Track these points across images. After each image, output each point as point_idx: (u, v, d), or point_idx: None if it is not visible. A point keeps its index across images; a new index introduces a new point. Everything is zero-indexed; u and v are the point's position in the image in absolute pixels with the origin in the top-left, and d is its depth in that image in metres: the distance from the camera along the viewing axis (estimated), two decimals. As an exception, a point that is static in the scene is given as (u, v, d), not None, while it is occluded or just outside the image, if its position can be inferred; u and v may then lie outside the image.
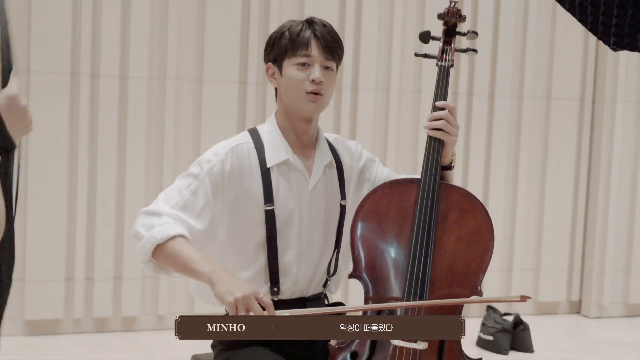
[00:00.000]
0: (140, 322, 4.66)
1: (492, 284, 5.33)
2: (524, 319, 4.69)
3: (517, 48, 5.31)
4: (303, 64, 2.13)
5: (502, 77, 5.29)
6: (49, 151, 4.39)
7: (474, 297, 2.11)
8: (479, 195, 5.21)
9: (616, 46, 2.42)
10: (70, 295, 4.49)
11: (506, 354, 4.51)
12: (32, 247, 4.39)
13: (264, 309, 1.88)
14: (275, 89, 2.23)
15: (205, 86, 4.66)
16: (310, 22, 2.17)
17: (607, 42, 2.39)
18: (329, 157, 2.28)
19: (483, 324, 4.65)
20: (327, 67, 2.16)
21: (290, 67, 2.14)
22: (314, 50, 2.13)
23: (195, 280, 2.05)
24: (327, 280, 2.30)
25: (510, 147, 5.37)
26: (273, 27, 4.54)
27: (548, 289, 5.51)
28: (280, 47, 2.16)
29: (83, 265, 4.50)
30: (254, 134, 2.24)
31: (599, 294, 5.45)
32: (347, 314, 2.07)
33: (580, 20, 2.29)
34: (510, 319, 4.64)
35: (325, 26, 2.18)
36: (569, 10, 2.22)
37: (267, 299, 1.91)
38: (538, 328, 4.85)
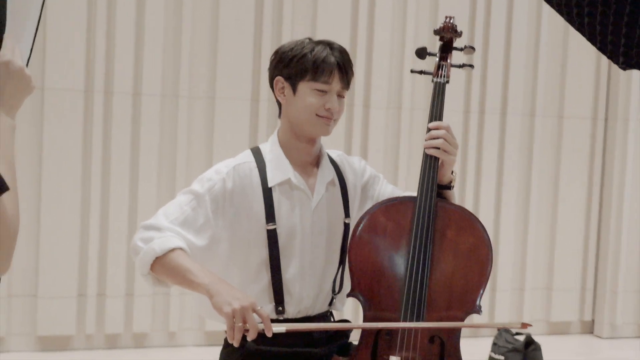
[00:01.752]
0: (151, 339, 4.68)
1: (503, 303, 5.31)
2: (536, 339, 4.65)
3: (529, 66, 5.31)
4: (321, 90, 2.14)
5: (514, 95, 5.29)
6: (62, 168, 4.44)
7: (473, 322, 2.10)
8: (490, 214, 5.27)
9: (625, 65, 2.43)
10: (82, 312, 4.52)
11: (518, 373, 4.49)
12: (44, 263, 4.43)
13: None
14: (279, 103, 2.24)
15: (217, 103, 4.70)
16: (331, 47, 2.18)
17: (616, 61, 2.40)
18: (332, 174, 2.29)
19: (494, 344, 4.62)
20: (340, 95, 2.19)
21: (307, 90, 2.14)
22: (335, 80, 2.15)
23: (196, 292, 2.05)
24: (332, 299, 2.30)
25: (522, 165, 5.36)
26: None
27: (560, 308, 5.48)
28: (300, 68, 2.14)
29: (95, 282, 4.53)
30: (256, 153, 2.24)
31: (612, 314, 5.41)
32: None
33: (589, 39, 2.30)
34: (521, 338, 4.60)
35: (343, 54, 2.19)
36: (578, 29, 2.23)
37: (264, 311, 1.92)
38: (550, 348, 4.81)
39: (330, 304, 2.30)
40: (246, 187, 2.17)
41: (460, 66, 2.33)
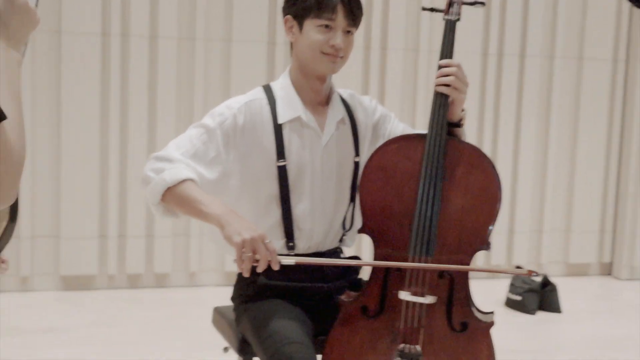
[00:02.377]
0: (171, 279, 4.76)
1: (522, 245, 5.33)
2: (554, 280, 4.69)
3: (548, 7, 5.23)
4: (326, 26, 2.13)
5: (533, 37, 5.22)
6: (81, 110, 4.49)
7: (479, 266, 2.09)
8: (508, 156, 5.25)
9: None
10: (104, 252, 4.62)
11: (534, 314, 4.53)
12: (66, 205, 4.52)
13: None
14: (291, 43, 2.24)
15: (233, 46, 4.70)
16: None
17: (637, 4, 2.38)
18: (342, 113, 2.29)
19: (512, 284, 4.66)
20: (347, 32, 2.17)
21: (311, 27, 2.14)
22: (339, 15, 2.13)
23: (206, 223, 2.06)
24: (343, 235, 2.33)
25: (541, 108, 5.32)
26: None
27: (579, 250, 5.49)
28: (304, 5, 2.14)
29: (116, 223, 4.62)
30: (267, 91, 2.24)
31: (631, 256, 5.42)
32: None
33: None
34: (538, 279, 4.64)
35: None
36: None
37: (272, 245, 1.92)
38: (568, 289, 4.85)
39: (341, 240, 2.33)
40: (257, 123, 2.18)
41: (471, 3, 2.30)
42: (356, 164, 2.30)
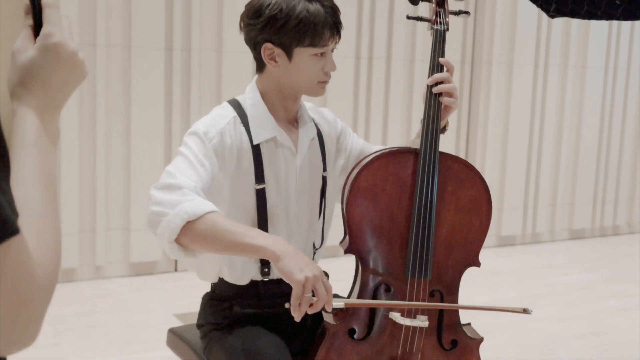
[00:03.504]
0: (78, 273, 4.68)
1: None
2: None
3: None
4: (321, 54, 2.01)
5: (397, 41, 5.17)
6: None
7: (476, 305, 1.98)
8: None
9: (556, 13, 2.40)
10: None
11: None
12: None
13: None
14: (262, 64, 2.05)
15: (133, 52, 4.73)
16: (322, 4, 1.98)
17: (546, 9, 2.37)
18: (314, 131, 2.17)
19: None
20: (332, 49, 2.06)
21: (305, 56, 1.99)
22: (331, 39, 2.01)
23: (241, 255, 1.87)
24: (314, 254, 2.23)
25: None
26: None
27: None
28: (298, 35, 1.95)
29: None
30: (237, 107, 2.08)
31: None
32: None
33: None
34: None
35: (335, 9, 2.02)
36: None
37: (329, 284, 1.76)
38: None
39: (312, 259, 2.22)
40: (238, 143, 2.03)
41: (457, 13, 2.23)
42: (324, 179, 2.19)
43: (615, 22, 6.56)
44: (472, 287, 4.75)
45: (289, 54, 1.99)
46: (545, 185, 6.49)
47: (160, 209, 1.81)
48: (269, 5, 1.96)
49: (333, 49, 2.06)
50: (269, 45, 1.99)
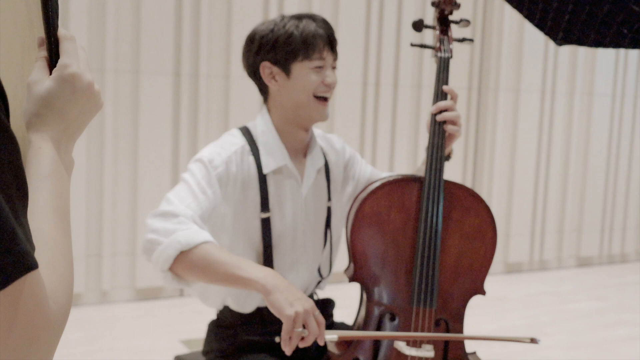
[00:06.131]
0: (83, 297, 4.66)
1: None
2: None
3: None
4: (319, 67, 2.01)
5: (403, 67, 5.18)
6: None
7: (482, 335, 1.97)
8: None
9: (563, 41, 2.42)
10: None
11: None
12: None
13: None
14: (264, 89, 2.09)
15: (141, 78, 4.75)
16: (314, 19, 2.02)
17: (553, 37, 2.38)
18: (321, 161, 2.17)
19: None
20: (333, 67, 2.07)
21: (302, 70, 2.00)
22: (327, 53, 2.02)
23: (233, 287, 1.84)
24: (319, 282, 2.22)
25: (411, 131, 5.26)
26: (205, 19, 4.71)
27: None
28: (289, 49, 1.98)
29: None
30: (247, 134, 2.08)
31: None
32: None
33: (527, 16, 2.28)
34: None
35: (327, 24, 2.05)
36: (516, 7, 2.21)
37: (322, 317, 1.73)
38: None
39: (317, 286, 2.22)
40: (245, 172, 2.02)
41: (460, 40, 2.23)
42: (329, 209, 2.18)
43: (622, 50, 6.58)
44: (478, 314, 4.74)
45: (286, 71, 2.02)
46: (553, 212, 6.47)
47: (154, 237, 1.82)
48: (261, 30, 2.03)
49: (334, 67, 2.07)
50: (266, 64, 2.03)
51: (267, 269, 1.77)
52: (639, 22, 2.35)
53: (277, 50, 2.00)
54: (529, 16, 2.36)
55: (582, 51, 6.33)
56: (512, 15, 5.96)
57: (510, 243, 6.24)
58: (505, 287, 5.81)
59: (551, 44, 6.12)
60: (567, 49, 6.19)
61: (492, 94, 6.02)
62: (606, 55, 6.49)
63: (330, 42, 2.02)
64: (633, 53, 6.62)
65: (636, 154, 6.86)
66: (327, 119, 2.10)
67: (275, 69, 2.03)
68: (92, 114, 1.02)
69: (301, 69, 2.00)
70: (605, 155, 6.68)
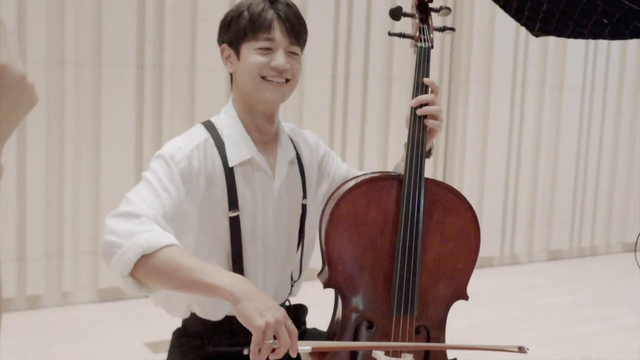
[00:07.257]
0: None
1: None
2: None
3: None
4: (266, 49, 1.87)
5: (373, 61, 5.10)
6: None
7: (469, 345, 1.83)
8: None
9: (540, 32, 2.33)
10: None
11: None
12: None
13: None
14: (231, 75, 1.98)
15: (103, 70, 4.58)
16: (272, 1, 1.90)
17: (531, 28, 2.29)
18: (292, 152, 2.03)
19: None
20: (292, 52, 1.91)
21: (249, 51, 1.88)
22: (278, 33, 1.87)
23: (199, 295, 1.70)
24: (291, 287, 2.10)
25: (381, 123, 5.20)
26: (169, 8, 4.57)
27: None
28: (238, 29, 1.88)
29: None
30: (211, 128, 1.94)
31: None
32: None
33: (503, 7, 2.19)
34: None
35: (290, 6, 1.92)
36: None
37: (294, 327, 1.60)
38: None
39: (289, 292, 2.10)
40: (209, 168, 1.88)
41: (441, 29, 2.11)
42: (304, 207, 2.05)
43: (592, 43, 6.53)
44: (451, 310, 4.64)
45: (237, 52, 1.92)
46: (523, 206, 6.42)
47: (114, 239, 1.67)
48: (227, 12, 1.97)
49: (293, 53, 1.92)
50: (224, 46, 1.96)
51: (236, 275, 1.63)
52: (620, 12, 2.26)
53: (230, 31, 1.93)
54: (505, 6, 2.27)
55: (553, 44, 6.28)
56: (483, 8, 5.88)
57: (482, 237, 6.16)
58: (476, 281, 5.73)
59: (522, 36, 6.05)
60: (538, 41, 6.13)
61: (462, 87, 5.94)
62: (576, 48, 6.44)
63: (284, 23, 1.88)
64: (602, 45, 6.58)
65: (606, 147, 6.83)
66: (284, 101, 1.95)
67: (230, 51, 1.94)
68: (25, 111, 0.86)
69: (248, 49, 1.89)
70: (575, 148, 6.65)
